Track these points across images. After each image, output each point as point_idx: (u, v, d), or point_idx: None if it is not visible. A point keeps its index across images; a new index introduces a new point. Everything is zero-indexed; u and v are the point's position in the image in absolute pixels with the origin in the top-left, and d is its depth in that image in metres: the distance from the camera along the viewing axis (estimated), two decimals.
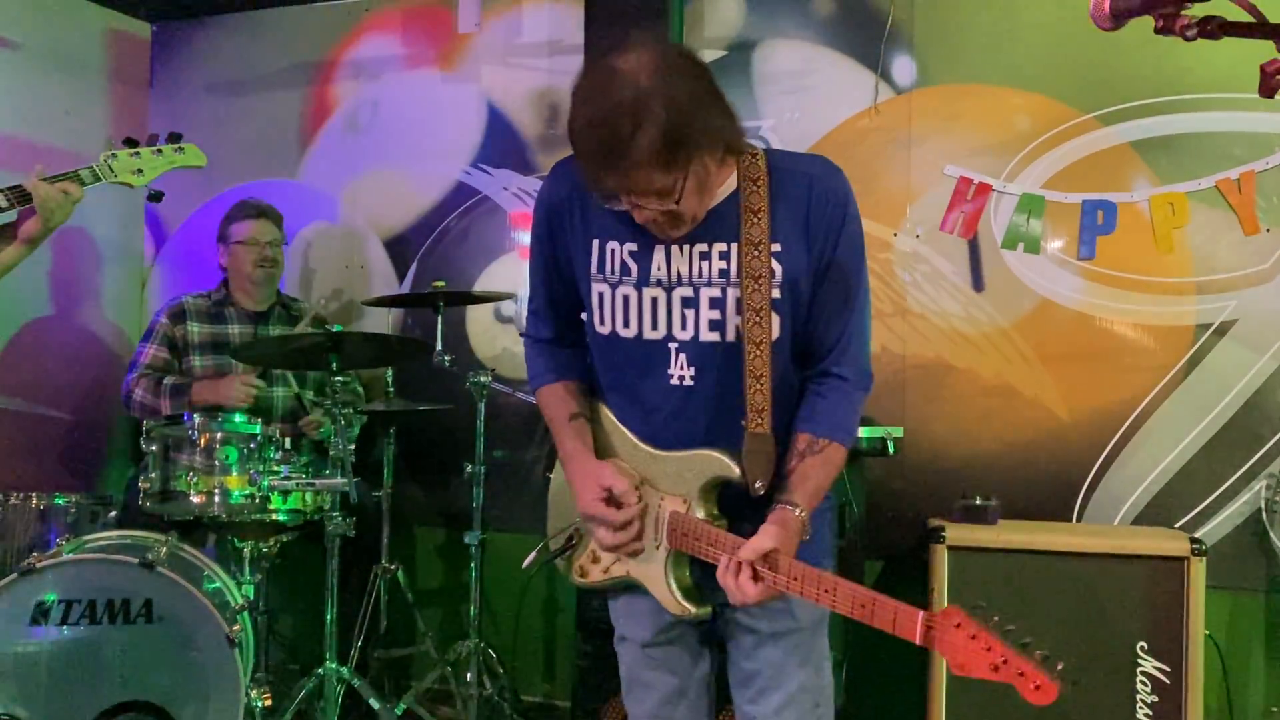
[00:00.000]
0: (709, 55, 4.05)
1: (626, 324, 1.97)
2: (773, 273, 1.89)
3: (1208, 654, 3.12)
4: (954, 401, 3.72)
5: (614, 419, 2.08)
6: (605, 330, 2.00)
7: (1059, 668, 1.57)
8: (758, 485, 1.88)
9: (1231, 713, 3.37)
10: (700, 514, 1.93)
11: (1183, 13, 1.42)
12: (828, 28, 3.93)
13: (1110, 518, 3.56)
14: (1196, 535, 3.21)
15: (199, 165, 3.22)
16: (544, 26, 4.32)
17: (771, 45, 4.00)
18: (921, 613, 1.66)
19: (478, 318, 4.37)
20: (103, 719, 2.88)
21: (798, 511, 1.87)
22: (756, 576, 1.81)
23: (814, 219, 1.90)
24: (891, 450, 3.43)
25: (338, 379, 3.35)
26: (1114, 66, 3.56)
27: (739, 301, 1.90)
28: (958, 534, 3.20)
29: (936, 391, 3.75)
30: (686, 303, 1.93)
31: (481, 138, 4.40)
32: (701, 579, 1.98)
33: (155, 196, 3.13)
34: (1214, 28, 1.41)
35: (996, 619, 1.62)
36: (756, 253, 1.88)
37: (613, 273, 1.97)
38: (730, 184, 1.93)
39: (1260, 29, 1.41)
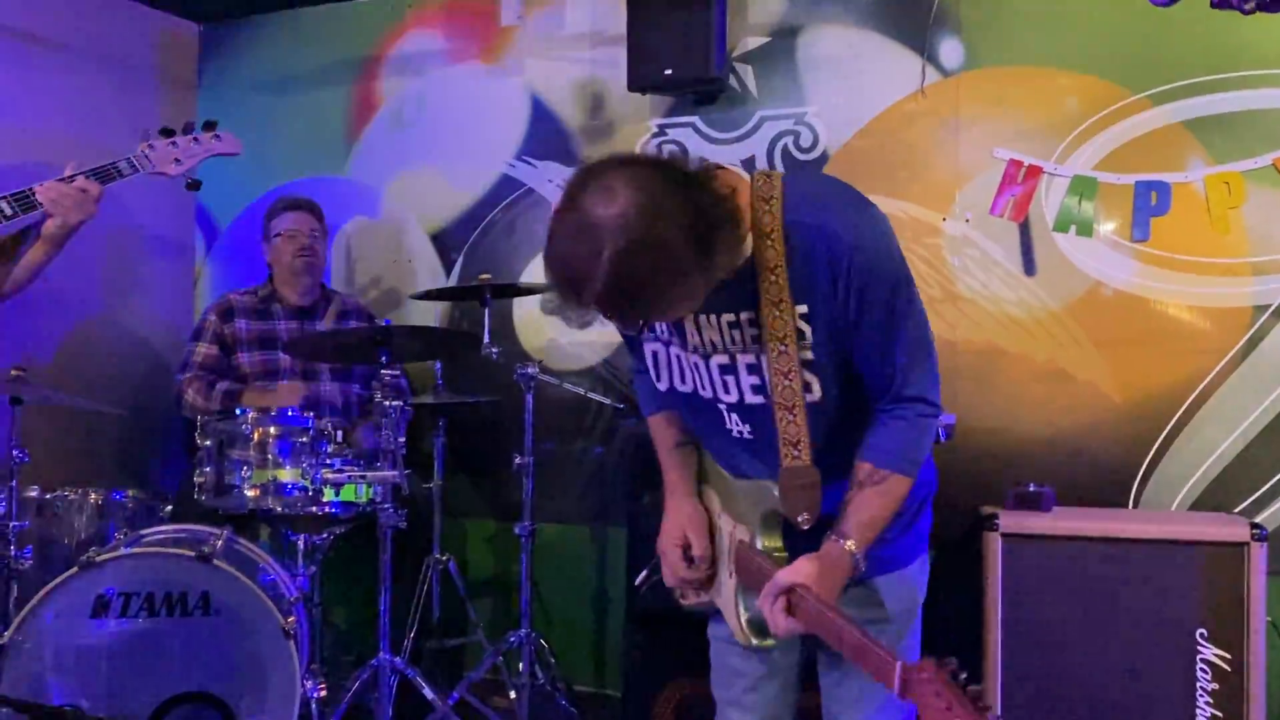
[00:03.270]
0: (752, 42, 4.03)
1: (683, 380, 2.01)
2: (801, 334, 1.82)
3: (1270, 641, 3.06)
4: (1006, 387, 3.67)
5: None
6: (664, 386, 2.06)
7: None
8: (801, 519, 1.84)
9: None
10: (761, 545, 1.90)
11: None
12: (873, 11, 3.89)
13: (1167, 503, 3.51)
14: (1257, 520, 3.15)
15: (235, 153, 3.27)
16: (586, 17, 4.31)
17: (816, 30, 3.97)
18: (898, 664, 1.51)
19: (524, 310, 4.38)
20: (162, 709, 2.93)
21: (846, 544, 1.83)
22: (791, 610, 1.77)
23: (835, 271, 1.78)
24: (943, 437, 3.40)
25: (385, 373, 3.37)
26: (1167, 45, 3.48)
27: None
28: (1011, 521, 3.17)
29: (988, 377, 3.71)
30: (725, 369, 1.93)
31: (525, 130, 4.40)
32: None
33: (193, 185, 3.18)
34: (1274, 0, 1.38)
35: (957, 672, 1.49)
36: (778, 312, 1.80)
37: (663, 332, 1.99)
38: (749, 245, 1.81)
39: None
